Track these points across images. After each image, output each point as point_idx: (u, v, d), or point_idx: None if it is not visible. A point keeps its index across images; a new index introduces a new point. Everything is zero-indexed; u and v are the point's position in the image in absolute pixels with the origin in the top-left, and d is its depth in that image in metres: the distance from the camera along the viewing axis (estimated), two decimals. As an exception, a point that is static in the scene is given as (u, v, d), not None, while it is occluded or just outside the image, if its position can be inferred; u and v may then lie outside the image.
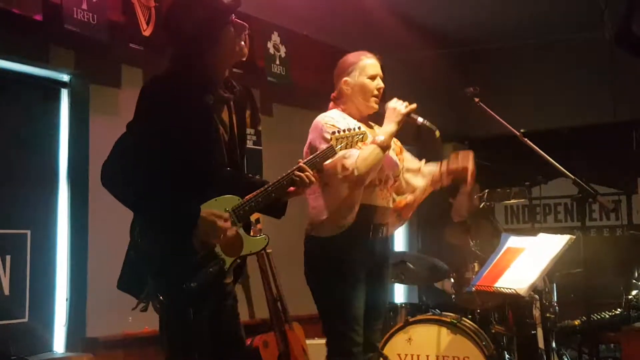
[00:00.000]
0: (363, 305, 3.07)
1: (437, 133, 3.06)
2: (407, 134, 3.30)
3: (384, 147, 3.00)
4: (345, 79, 3.17)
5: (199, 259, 2.36)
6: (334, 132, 2.72)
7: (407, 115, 3.07)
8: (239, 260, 2.50)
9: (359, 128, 2.73)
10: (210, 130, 2.46)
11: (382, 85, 3.18)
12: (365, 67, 3.17)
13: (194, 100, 2.42)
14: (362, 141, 2.77)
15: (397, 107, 3.08)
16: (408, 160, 3.36)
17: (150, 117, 2.38)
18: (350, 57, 3.22)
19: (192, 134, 2.40)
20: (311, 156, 2.71)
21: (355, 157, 2.94)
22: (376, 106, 3.16)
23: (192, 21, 2.45)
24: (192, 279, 2.33)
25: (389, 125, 3.05)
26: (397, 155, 3.28)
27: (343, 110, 3.19)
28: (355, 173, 2.94)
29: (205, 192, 2.41)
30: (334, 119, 3.07)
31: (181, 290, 2.32)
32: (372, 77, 3.16)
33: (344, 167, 2.97)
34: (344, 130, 2.71)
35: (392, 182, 3.21)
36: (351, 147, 2.75)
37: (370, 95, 3.16)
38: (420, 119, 3.10)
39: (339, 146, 2.70)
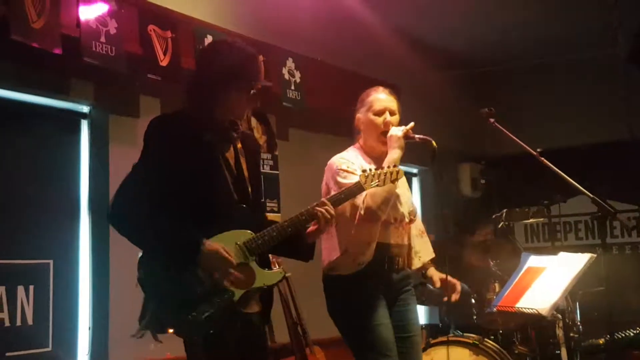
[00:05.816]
0: (392, 333, 3.06)
1: (434, 143, 3.01)
2: (425, 156, 3.32)
3: None
4: (357, 115, 3.20)
5: (206, 290, 2.36)
6: (364, 170, 2.71)
7: (406, 136, 3.05)
8: (263, 290, 2.50)
9: (394, 166, 2.74)
10: (212, 168, 2.46)
11: (389, 119, 3.12)
12: (372, 103, 3.15)
13: (196, 140, 2.43)
14: (397, 179, 2.74)
15: (394, 133, 3.05)
16: None
17: (153, 157, 2.41)
18: (364, 92, 3.21)
19: (195, 172, 2.41)
20: (337, 192, 2.72)
21: (364, 196, 2.92)
22: (385, 141, 3.09)
23: (228, 72, 2.45)
24: (198, 309, 2.33)
25: (393, 153, 3.02)
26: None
27: (361, 147, 3.19)
28: (362, 212, 2.94)
29: (210, 227, 2.40)
30: (347, 160, 3.07)
31: (187, 321, 2.32)
32: (379, 113, 3.12)
33: (354, 207, 2.97)
34: (375, 169, 2.71)
35: (407, 221, 3.20)
36: (384, 184, 2.73)
37: (376, 132, 3.12)
38: (417, 136, 3.07)
39: (372, 183, 2.70)
